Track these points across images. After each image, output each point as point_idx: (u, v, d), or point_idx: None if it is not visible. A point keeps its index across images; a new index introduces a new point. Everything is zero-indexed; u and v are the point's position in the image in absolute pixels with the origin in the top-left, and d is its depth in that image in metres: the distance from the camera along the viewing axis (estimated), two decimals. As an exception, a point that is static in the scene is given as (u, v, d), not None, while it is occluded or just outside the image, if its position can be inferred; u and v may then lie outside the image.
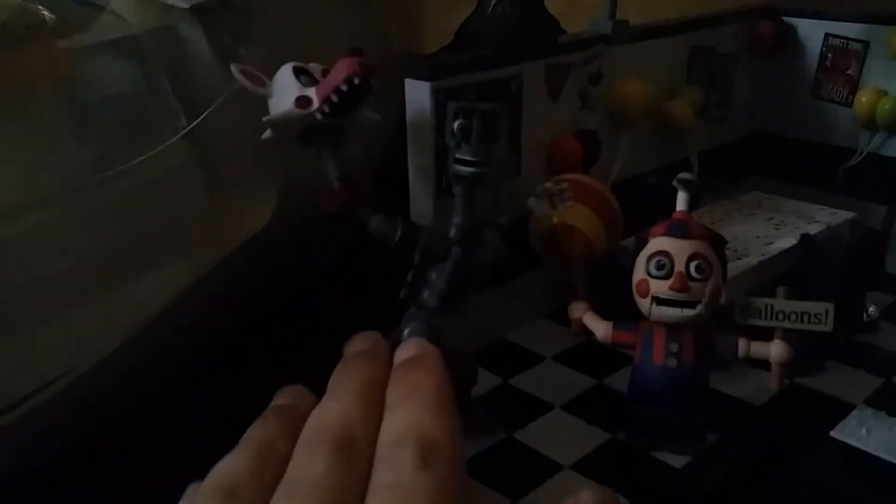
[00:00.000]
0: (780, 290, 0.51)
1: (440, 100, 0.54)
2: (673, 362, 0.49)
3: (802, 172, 0.86)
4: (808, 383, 0.58)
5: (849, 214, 0.69)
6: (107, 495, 0.45)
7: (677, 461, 0.50)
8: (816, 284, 0.59)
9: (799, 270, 0.60)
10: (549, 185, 0.51)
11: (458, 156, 0.45)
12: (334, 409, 0.21)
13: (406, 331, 0.47)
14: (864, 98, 0.78)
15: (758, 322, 0.51)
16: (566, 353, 0.62)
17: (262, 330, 0.60)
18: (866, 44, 0.79)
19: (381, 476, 0.19)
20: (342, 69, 0.46)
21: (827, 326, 0.49)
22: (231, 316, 0.58)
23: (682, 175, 0.51)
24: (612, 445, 0.52)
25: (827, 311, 0.49)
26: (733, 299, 0.51)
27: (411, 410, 0.21)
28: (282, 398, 0.24)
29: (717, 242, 0.50)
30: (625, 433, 0.52)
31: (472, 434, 0.53)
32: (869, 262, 0.63)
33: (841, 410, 0.55)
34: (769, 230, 0.66)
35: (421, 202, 0.57)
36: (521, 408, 0.56)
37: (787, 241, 0.62)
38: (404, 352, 0.23)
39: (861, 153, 0.81)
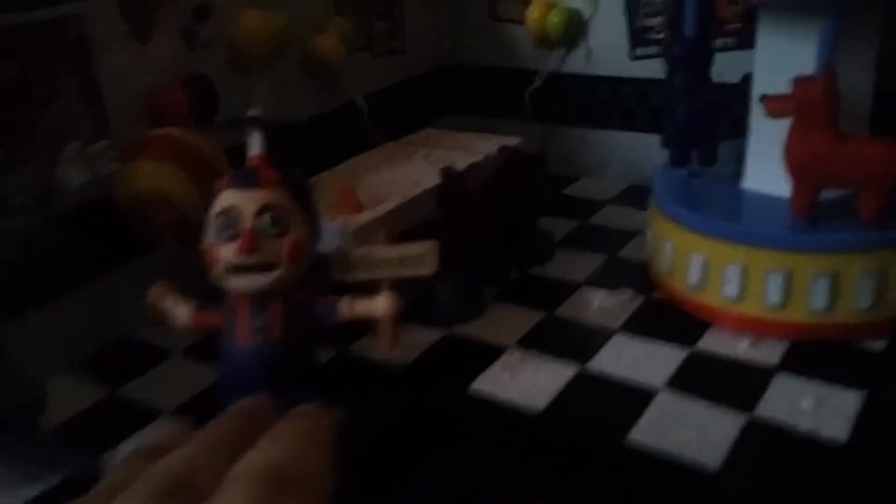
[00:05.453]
0: (381, 235, 0.44)
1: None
2: (258, 339, 0.41)
3: (494, 102, 0.81)
4: (464, 331, 0.53)
5: (514, 140, 0.64)
6: None
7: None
8: (458, 218, 0.53)
9: (440, 206, 0.53)
10: (74, 144, 0.40)
11: None
12: (180, 454, 0.20)
13: None
14: (534, 13, 0.73)
15: (360, 276, 0.43)
16: (199, 344, 0.53)
17: None
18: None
19: None
20: None
21: (430, 268, 0.43)
22: None
23: (252, 112, 0.43)
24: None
25: (429, 252, 0.42)
26: (330, 254, 0.44)
27: (265, 450, 0.19)
28: (153, 439, 0.22)
29: (300, 188, 0.42)
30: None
31: (41, 470, 0.42)
32: (528, 188, 0.58)
33: (494, 356, 0.50)
34: (424, 169, 0.60)
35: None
36: (119, 423, 0.46)
37: (436, 179, 0.56)
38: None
39: (543, 74, 0.76)
